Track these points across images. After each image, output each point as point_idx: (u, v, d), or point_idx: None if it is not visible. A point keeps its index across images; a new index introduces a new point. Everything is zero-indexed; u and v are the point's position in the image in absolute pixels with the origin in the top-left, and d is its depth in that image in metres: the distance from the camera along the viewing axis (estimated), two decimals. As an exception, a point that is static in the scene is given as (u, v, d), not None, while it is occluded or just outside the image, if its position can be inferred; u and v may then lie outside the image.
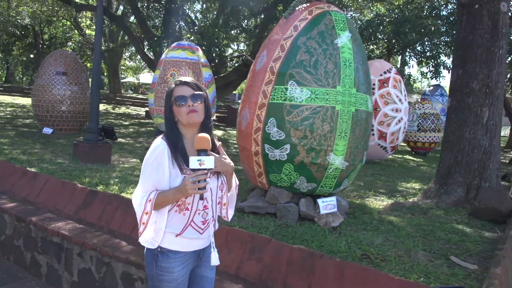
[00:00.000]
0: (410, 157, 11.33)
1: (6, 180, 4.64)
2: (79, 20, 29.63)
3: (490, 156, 4.75)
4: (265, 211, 4.08)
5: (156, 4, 14.04)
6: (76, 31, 30.76)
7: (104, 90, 32.29)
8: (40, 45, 31.91)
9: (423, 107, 11.88)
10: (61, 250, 3.57)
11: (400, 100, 8.94)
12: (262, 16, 15.46)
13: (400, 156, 11.30)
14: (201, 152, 1.70)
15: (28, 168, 4.99)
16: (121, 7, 22.92)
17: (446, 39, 13.33)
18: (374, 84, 8.79)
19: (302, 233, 3.62)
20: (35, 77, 10.75)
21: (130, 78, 44.79)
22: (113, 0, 20.08)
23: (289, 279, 2.78)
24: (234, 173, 1.98)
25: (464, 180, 4.81)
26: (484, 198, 4.36)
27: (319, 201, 4.02)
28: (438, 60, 12.83)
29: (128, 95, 31.85)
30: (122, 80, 37.37)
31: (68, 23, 30.23)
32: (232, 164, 1.90)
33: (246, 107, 4.06)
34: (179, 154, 1.79)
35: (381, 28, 11.89)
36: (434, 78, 14.40)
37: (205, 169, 1.66)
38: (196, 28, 14.15)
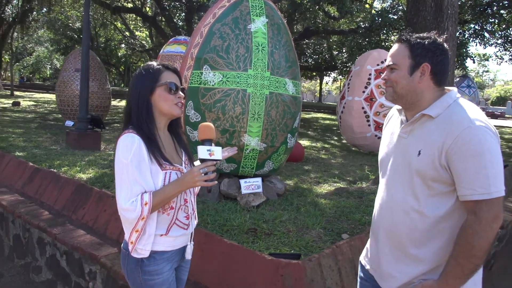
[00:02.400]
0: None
1: (-17, 161, 5.26)
2: (129, 22, 31.23)
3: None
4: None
5: (177, 3, 14.63)
6: (128, 33, 32.52)
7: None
8: (96, 47, 34.07)
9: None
10: (2, 218, 4.06)
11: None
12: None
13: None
14: (205, 141, 1.59)
15: (18, 153, 5.63)
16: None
17: (473, 27, 12.63)
18: (370, 74, 8.65)
19: (212, 209, 3.82)
20: (59, 74, 11.70)
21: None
22: (145, 2, 21.09)
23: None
24: None
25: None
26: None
27: (241, 181, 4.18)
28: (461, 48, 12.17)
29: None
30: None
31: (119, 25, 32.05)
32: None
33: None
34: (156, 148, 1.62)
35: (395, 17, 11.57)
36: (458, 68, 13.68)
37: (214, 159, 1.56)
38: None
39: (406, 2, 4.94)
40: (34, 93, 28.34)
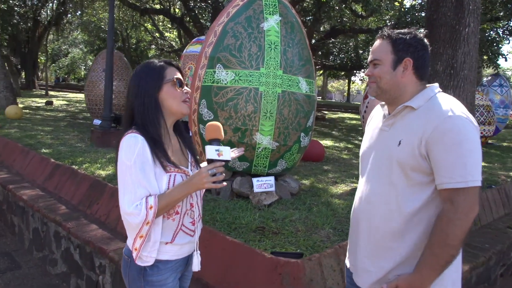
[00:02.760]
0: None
1: (11, 157, 5.49)
2: (158, 23, 31.81)
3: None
4: (204, 188, 4.35)
5: (203, 4, 14.80)
6: (157, 34, 33.15)
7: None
8: (127, 48, 34.85)
9: (470, 98, 10.99)
10: (23, 212, 4.22)
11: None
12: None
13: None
14: (213, 141, 1.52)
15: (44, 150, 5.86)
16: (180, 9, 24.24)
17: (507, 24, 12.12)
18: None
19: (223, 207, 3.84)
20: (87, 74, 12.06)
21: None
22: (173, 3, 21.43)
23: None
24: None
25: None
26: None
27: (254, 180, 4.18)
28: (493, 46, 11.69)
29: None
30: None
31: (149, 26, 32.72)
32: None
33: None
34: (160, 150, 1.53)
35: (423, 14, 11.25)
36: (489, 67, 13.14)
37: (223, 160, 1.48)
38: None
39: (427, -2, 4.81)
40: (68, 93, 29.34)
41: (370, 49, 1.60)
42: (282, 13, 4.08)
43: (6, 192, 4.55)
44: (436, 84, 1.54)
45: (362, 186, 1.65)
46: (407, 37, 1.48)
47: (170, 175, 1.53)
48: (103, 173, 5.01)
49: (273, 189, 4.23)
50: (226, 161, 1.50)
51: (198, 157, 1.83)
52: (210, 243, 2.69)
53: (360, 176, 1.70)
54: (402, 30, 1.52)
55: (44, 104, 16.37)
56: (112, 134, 7.17)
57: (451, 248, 1.34)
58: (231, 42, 3.95)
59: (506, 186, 4.77)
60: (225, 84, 3.93)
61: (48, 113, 12.99)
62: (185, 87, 1.63)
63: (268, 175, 4.32)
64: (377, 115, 1.71)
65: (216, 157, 1.46)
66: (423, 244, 1.42)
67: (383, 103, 1.63)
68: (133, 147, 1.47)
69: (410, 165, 1.42)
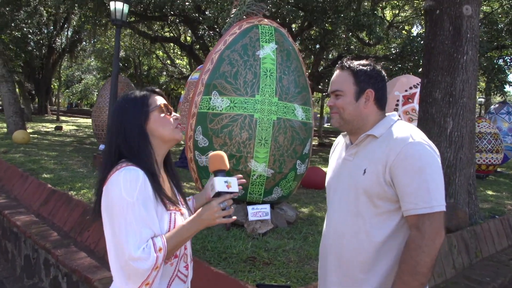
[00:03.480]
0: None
1: (11, 182, 5.51)
2: (170, 51, 32.47)
3: (456, 171, 4.38)
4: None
5: (211, 32, 15.08)
6: (169, 61, 33.80)
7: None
8: (139, 75, 35.49)
9: (478, 126, 10.87)
10: (17, 238, 4.19)
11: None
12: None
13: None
14: (218, 173, 1.40)
15: (45, 175, 5.88)
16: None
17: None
18: (398, 100, 8.43)
19: (216, 235, 3.76)
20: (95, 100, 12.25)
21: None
22: (183, 31, 21.88)
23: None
24: None
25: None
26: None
27: (249, 207, 4.11)
28: (500, 74, 11.63)
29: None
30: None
31: (161, 53, 33.41)
32: None
33: (186, 117, 4.37)
34: (160, 185, 1.38)
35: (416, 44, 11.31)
36: (496, 94, 13.04)
37: (232, 192, 1.36)
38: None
39: (425, 27, 4.82)
40: (79, 118, 29.80)
41: (330, 80, 1.60)
42: (278, 41, 4.10)
43: (2, 217, 4.54)
44: (395, 113, 1.58)
45: (329, 217, 1.62)
46: (368, 69, 1.51)
47: (170, 214, 1.38)
48: (100, 199, 5.00)
49: (268, 217, 4.15)
50: (235, 193, 1.37)
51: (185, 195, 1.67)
52: (194, 274, 2.61)
53: (327, 206, 1.67)
54: (361, 62, 1.55)
55: (53, 129, 16.59)
56: (114, 160, 7.18)
57: (421, 276, 1.32)
58: (227, 70, 3.97)
59: (510, 216, 4.61)
60: (220, 110, 3.92)
61: (56, 138, 13.14)
62: (173, 113, 1.48)
63: (263, 203, 4.25)
64: (339, 145, 1.71)
65: (226, 189, 1.35)
66: (394, 273, 1.40)
67: (345, 132, 1.63)
68: (134, 181, 1.29)
69: (376, 193, 1.41)
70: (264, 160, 3.93)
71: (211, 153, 1.46)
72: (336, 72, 1.57)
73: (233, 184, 1.36)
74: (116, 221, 1.27)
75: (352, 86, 1.50)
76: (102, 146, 11.05)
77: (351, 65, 1.52)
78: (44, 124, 18.85)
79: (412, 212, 1.35)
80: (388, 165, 1.38)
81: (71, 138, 13.81)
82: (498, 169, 12.25)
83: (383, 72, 1.56)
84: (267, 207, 4.18)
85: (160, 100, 1.46)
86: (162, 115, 1.42)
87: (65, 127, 18.11)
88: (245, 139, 3.87)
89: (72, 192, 5.20)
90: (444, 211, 1.36)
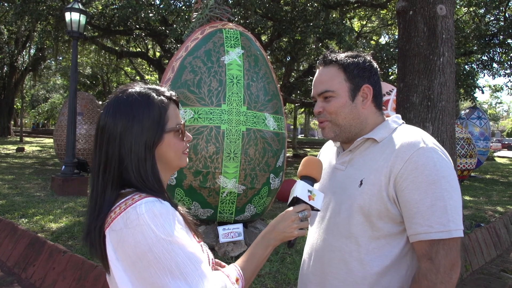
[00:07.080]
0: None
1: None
2: (139, 66, 31.85)
3: (438, 177, 4.14)
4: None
5: (179, 45, 14.73)
6: (138, 77, 33.15)
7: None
8: (108, 92, 34.65)
9: (450, 131, 10.86)
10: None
11: (401, 123, 8.30)
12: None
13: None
14: (306, 179, 1.16)
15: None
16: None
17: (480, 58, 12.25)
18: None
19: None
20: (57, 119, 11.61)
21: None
22: (152, 46, 21.45)
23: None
24: None
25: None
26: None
27: (219, 228, 3.73)
28: (468, 80, 11.73)
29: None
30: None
31: (129, 70, 32.74)
32: None
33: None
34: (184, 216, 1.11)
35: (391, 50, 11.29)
36: (466, 100, 13.18)
37: (313, 206, 1.13)
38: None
39: (398, 29, 4.62)
40: (45, 139, 28.60)
41: (313, 82, 1.25)
42: (245, 45, 3.78)
43: None
44: (399, 115, 1.27)
45: (312, 239, 1.25)
46: (359, 60, 1.19)
47: (201, 246, 1.06)
48: (54, 226, 4.49)
49: (241, 238, 3.78)
50: (316, 210, 1.14)
51: None
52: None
53: (309, 226, 1.30)
54: (348, 53, 1.22)
55: (14, 151, 15.70)
56: (75, 181, 6.65)
57: None
58: (189, 78, 3.61)
59: (496, 224, 4.40)
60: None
61: (16, 160, 12.36)
62: (186, 133, 1.11)
63: (235, 222, 3.88)
64: (328, 151, 1.36)
65: (306, 200, 1.11)
66: None
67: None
68: (169, 215, 0.97)
69: (376, 211, 1.09)
70: (234, 176, 3.57)
71: (308, 156, 1.22)
72: (320, 70, 1.23)
73: (317, 198, 1.13)
74: (160, 272, 0.91)
75: (345, 83, 1.18)
76: (64, 167, 10.41)
77: (338, 58, 1.19)
78: (5, 146, 17.87)
79: (424, 237, 1.03)
80: (393, 176, 1.07)
81: (32, 159, 13.05)
82: (472, 174, 12.30)
83: (375, 64, 1.24)
84: (239, 227, 3.81)
85: (177, 117, 1.08)
86: (176, 138, 1.05)
87: (28, 148, 17.21)
88: (212, 153, 3.50)
89: (23, 219, 4.70)
90: (462, 237, 1.04)
